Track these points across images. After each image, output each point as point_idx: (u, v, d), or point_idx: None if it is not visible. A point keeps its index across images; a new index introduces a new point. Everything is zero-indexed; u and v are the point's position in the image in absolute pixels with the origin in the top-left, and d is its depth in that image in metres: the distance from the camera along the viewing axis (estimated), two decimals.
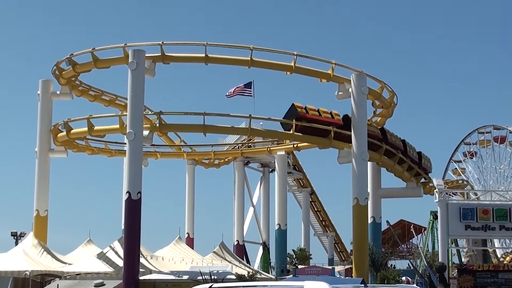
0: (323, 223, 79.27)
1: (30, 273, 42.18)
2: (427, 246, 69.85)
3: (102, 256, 43.83)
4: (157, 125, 46.17)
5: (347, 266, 64.62)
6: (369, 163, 50.78)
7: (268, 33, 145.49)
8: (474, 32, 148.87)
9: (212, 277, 39.06)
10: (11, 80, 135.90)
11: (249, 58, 45.69)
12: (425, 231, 71.52)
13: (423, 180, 59.12)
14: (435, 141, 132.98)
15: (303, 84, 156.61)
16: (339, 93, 47.84)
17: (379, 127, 53.36)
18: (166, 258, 45.51)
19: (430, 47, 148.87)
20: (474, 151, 73.67)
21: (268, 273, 55.29)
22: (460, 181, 70.42)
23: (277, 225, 59.65)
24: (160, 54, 44.99)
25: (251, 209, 65.83)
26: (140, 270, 41.35)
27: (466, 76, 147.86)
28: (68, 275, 42.49)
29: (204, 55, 45.41)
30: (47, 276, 43.32)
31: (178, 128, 50.26)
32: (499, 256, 69.10)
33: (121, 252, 42.36)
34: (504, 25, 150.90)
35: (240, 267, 45.81)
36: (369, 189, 51.44)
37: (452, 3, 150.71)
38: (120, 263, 41.86)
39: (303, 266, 49.28)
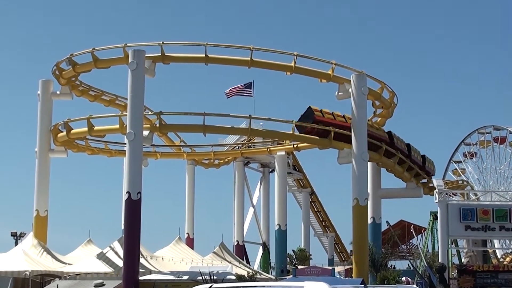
0: (323, 224, 79.25)
1: (30, 273, 42.18)
2: (427, 246, 69.81)
3: (102, 256, 43.83)
4: (157, 125, 46.18)
5: (347, 267, 64.61)
6: (369, 164, 50.82)
7: (268, 33, 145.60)
8: (474, 32, 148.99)
9: (212, 277, 39.06)
10: (11, 80, 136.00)
11: (249, 58, 45.71)
12: (425, 232, 71.45)
13: (423, 180, 59.25)
14: (435, 141, 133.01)
15: (303, 85, 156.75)
16: (339, 93, 47.88)
17: (386, 131, 53.79)
18: (166, 258, 45.51)
19: (430, 47, 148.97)
20: (474, 152, 73.62)
21: (268, 273, 55.29)
22: (460, 182, 70.38)
23: (277, 226, 59.65)
24: (160, 54, 45.01)
25: (251, 210, 65.82)
26: (140, 270, 41.36)
27: (466, 76, 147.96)
28: (68, 275, 42.48)
29: (204, 55, 45.44)
30: (47, 276, 43.32)
31: (178, 128, 50.28)
32: (499, 256, 69.05)
33: (121, 252, 42.36)
34: (504, 25, 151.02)
35: (240, 268, 45.81)
36: (369, 190, 51.48)
37: (452, 3, 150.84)
38: (120, 263, 41.86)
39: (303, 267, 49.23)
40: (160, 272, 42.30)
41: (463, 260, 61.75)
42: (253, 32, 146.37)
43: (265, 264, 63.09)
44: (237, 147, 63.00)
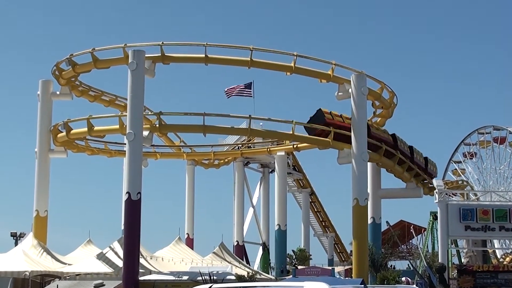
0: (323, 224, 79.23)
1: (29, 274, 42.19)
2: (427, 246, 69.77)
3: (101, 257, 43.84)
4: (157, 125, 46.19)
5: (347, 267, 64.61)
6: (369, 164, 50.85)
7: (268, 33, 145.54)
8: (474, 32, 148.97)
9: (212, 277, 39.09)
10: (11, 80, 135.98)
11: (249, 59, 45.74)
12: (425, 232, 71.42)
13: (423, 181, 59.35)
14: (435, 141, 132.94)
15: (303, 85, 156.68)
16: (339, 93, 47.91)
17: (390, 133, 54.06)
18: (166, 258, 45.51)
19: (430, 47, 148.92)
20: (474, 152, 73.58)
21: (268, 273, 55.31)
22: (460, 182, 70.35)
23: (277, 226, 59.66)
24: (160, 54, 45.04)
25: (251, 210, 65.82)
26: (140, 270, 41.38)
27: (466, 76, 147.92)
28: (68, 276, 42.51)
29: (204, 55, 45.47)
30: (47, 277, 43.35)
31: (178, 128, 50.29)
32: (498, 256, 69.04)
33: (120, 252, 42.38)
34: (504, 25, 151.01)
35: (240, 268, 45.82)
36: (369, 190, 51.51)
37: (452, 3, 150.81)
38: (120, 263, 41.88)
39: (302, 267, 49.23)
40: (160, 273, 42.31)
41: (463, 260, 61.72)
42: (253, 32, 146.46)
43: (265, 264, 63.10)
44: (237, 147, 63.00)
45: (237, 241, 62.62)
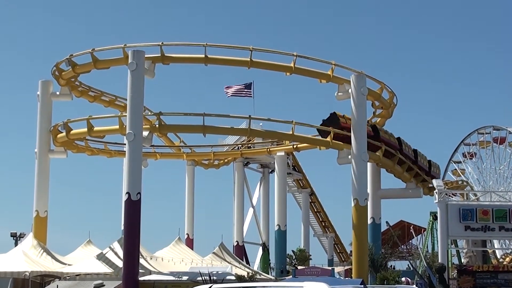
0: (323, 224, 79.25)
1: (29, 274, 42.22)
2: (427, 247, 69.78)
3: (101, 257, 43.84)
4: (157, 125, 46.20)
5: (346, 267, 64.60)
6: (368, 164, 50.89)
7: (268, 34, 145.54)
8: (474, 32, 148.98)
9: (212, 278, 39.08)
10: (11, 80, 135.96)
11: (248, 59, 45.75)
12: (425, 232, 71.41)
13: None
14: (435, 141, 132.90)
15: (303, 85, 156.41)
16: (339, 93, 47.93)
17: (396, 137, 54.49)
18: (166, 258, 45.50)
19: (429, 47, 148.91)
20: (474, 152, 73.63)
21: (268, 274, 55.31)
22: (459, 182, 70.39)
23: (276, 226, 59.67)
24: (159, 54, 45.05)
25: (251, 210, 65.83)
26: (140, 270, 41.38)
27: (466, 76, 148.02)
28: (68, 276, 42.52)
29: (203, 55, 45.48)
30: (47, 277, 43.37)
31: (177, 128, 50.29)
32: (498, 257, 69.09)
33: (120, 252, 42.38)
34: (504, 25, 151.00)
35: (239, 268, 45.81)
36: (369, 190, 51.53)
37: (452, 3, 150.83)
38: (120, 263, 41.89)
39: (302, 267, 49.29)
40: (159, 273, 42.30)
41: (462, 260, 61.70)
42: (253, 32, 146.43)
43: (265, 264, 63.11)
44: (236, 148, 63.02)
45: (237, 241, 62.63)
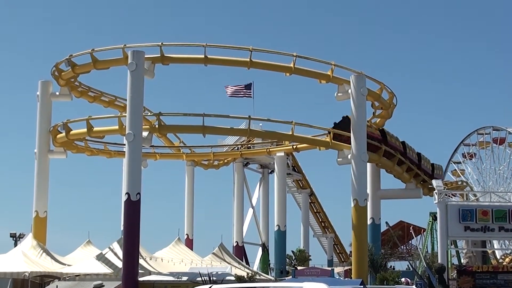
0: (323, 224, 79.20)
1: (29, 274, 42.19)
2: (427, 247, 69.78)
3: (101, 257, 43.81)
4: (157, 126, 46.19)
5: (346, 267, 64.58)
6: (368, 164, 50.88)
7: (268, 34, 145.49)
8: (474, 32, 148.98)
9: (211, 278, 39.07)
10: (11, 80, 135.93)
11: (248, 59, 45.75)
12: (425, 232, 71.39)
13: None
14: (435, 142, 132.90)
15: (303, 85, 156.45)
16: (339, 94, 47.94)
17: (401, 140, 54.76)
18: (166, 259, 45.47)
19: (429, 47, 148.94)
20: (474, 152, 73.68)
21: (268, 274, 55.31)
22: (459, 182, 70.42)
23: (276, 226, 59.62)
24: (159, 55, 45.05)
25: (251, 210, 65.79)
26: (139, 271, 41.36)
27: (466, 76, 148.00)
28: (67, 276, 42.50)
29: (203, 56, 45.49)
30: (46, 277, 43.36)
31: (177, 129, 50.28)
32: (498, 257, 69.12)
33: (120, 253, 42.36)
34: (504, 25, 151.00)
35: (239, 268, 45.80)
36: (369, 190, 51.54)
37: (452, 3, 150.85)
38: (120, 264, 41.86)
39: (302, 267, 49.22)
40: (159, 273, 42.28)
41: (462, 260, 61.70)
42: (253, 33, 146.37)
43: (265, 265, 63.07)
44: (236, 148, 62.97)
45: (236, 241, 62.59)
